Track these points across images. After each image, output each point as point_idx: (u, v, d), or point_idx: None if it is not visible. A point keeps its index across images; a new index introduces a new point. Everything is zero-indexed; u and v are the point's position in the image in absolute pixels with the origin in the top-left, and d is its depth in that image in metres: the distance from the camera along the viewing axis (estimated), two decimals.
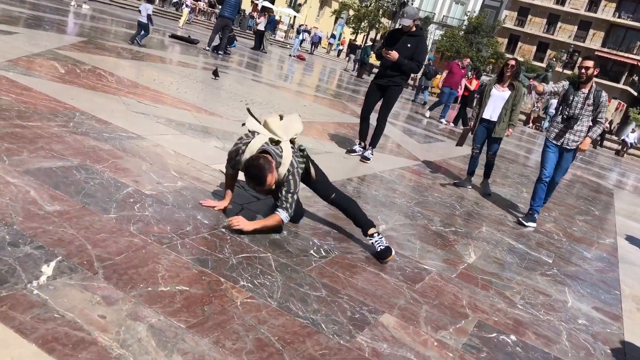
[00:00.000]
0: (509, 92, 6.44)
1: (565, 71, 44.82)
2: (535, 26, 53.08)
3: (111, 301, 2.23)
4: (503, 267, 4.26)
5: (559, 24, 52.17)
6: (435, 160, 8.37)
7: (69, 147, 3.85)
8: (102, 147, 4.08)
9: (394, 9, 43.18)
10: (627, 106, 52.15)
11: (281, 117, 3.60)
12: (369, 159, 6.51)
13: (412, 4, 45.98)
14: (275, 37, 33.20)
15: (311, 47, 38.82)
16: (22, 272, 2.23)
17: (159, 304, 2.30)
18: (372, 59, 24.61)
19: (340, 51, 46.57)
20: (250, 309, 2.50)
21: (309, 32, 37.89)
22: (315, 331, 2.48)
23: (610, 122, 32.10)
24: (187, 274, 2.63)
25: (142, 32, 11.74)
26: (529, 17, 53.54)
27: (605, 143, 28.37)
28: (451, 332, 2.90)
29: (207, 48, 15.17)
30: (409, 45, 6.10)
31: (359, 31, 47.84)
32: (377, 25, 46.24)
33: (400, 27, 6.27)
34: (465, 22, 48.53)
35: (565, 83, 5.72)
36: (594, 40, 50.40)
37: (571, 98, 5.56)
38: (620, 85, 49.15)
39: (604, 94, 5.55)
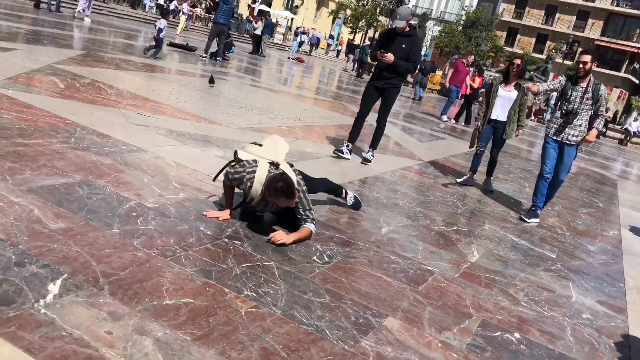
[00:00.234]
0: (516, 92, 6.44)
1: (566, 62, 44.70)
2: (533, 18, 52.98)
3: (117, 317, 2.26)
4: (506, 264, 4.28)
5: (557, 14, 52.05)
6: (437, 158, 8.39)
7: (71, 164, 3.89)
8: (103, 161, 4.12)
9: (391, 7, 43.18)
10: (629, 94, 52.02)
11: (259, 144, 3.76)
12: (370, 161, 6.54)
13: (408, 2, 46.03)
14: (273, 40, 33.25)
15: (310, 48, 38.90)
16: (29, 291, 2.27)
17: (164, 318, 2.34)
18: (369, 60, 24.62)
19: (339, 51, 46.64)
20: (254, 318, 2.53)
21: (306, 34, 37.93)
22: (319, 338, 2.51)
23: (615, 113, 32.02)
24: (192, 286, 2.66)
25: (157, 47, 12.07)
26: (527, 9, 53.45)
27: (608, 133, 28.31)
28: (455, 332, 2.92)
29: (205, 55, 15.23)
30: (403, 46, 6.12)
31: (357, 30, 47.87)
32: (375, 24, 46.25)
33: (393, 28, 6.28)
34: (463, 17, 48.47)
35: (562, 79, 5.73)
36: (593, 30, 50.26)
37: (569, 93, 5.57)
38: (622, 74, 49.00)
39: (602, 87, 5.56)
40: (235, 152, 3.70)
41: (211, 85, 9.66)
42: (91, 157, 4.15)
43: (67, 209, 3.14)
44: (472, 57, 15.82)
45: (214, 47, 15.48)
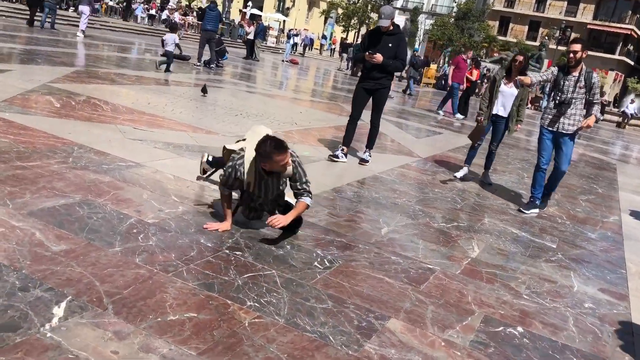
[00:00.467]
0: (517, 88, 6.47)
1: (560, 47, 44.64)
2: (524, 6, 52.91)
3: (122, 336, 2.30)
4: (507, 257, 4.31)
5: (549, 1, 51.97)
6: (434, 154, 8.42)
7: (70, 184, 3.93)
8: (102, 179, 4.16)
9: (381, 3, 43.19)
10: (624, 76, 51.91)
11: (244, 139, 3.84)
12: (367, 161, 6.57)
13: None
14: (266, 43, 33.29)
15: (303, 49, 38.93)
16: (34, 316, 2.31)
17: (169, 334, 2.38)
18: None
19: (333, 50, 46.69)
20: (258, 328, 2.56)
21: (298, 36, 37.96)
22: (323, 344, 2.55)
23: (615, 96, 31.98)
24: (195, 300, 2.70)
25: (169, 61, 12.41)
26: None
27: (606, 116, 28.28)
28: (458, 330, 2.95)
29: (199, 63, 15.29)
30: (390, 45, 6.13)
31: (350, 29, 47.91)
32: (367, 21, 46.27)
33: (378, 27, 6.27)
34: (455, 9, 48.45)
35: (554, 69, 5.73)
36: (585, 14, 50.17)
37: (562, 83, 5.57)
38: (616, 56, 48.97)
39: (595, 74, 5.56)
40: (224, 147, 3.82)
41: (204, 94, 9.67)
42: (90, 175, 4.19)
43: (68, 230, 3.18)
44: (472, 52, 15.93)
45: (207, 55, 15.54)
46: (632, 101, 28.20)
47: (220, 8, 18.89)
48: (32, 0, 18.40)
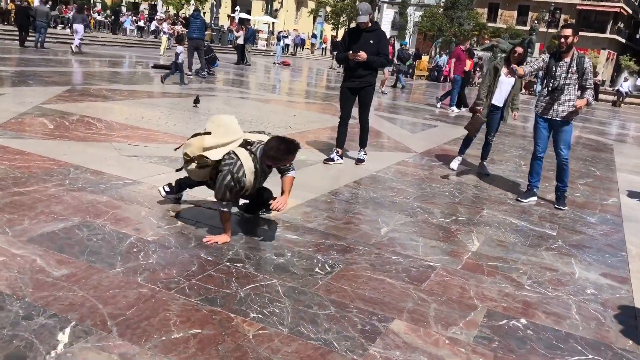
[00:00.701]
0: (514, 78, 6.48)
1: (550, 30, 44.58)
2: None
3: (128, 357, 2.32)
4: (507, 249, 4.32)
5: None
6: (430, 148, 8.44)
7: (68, 206, 3.95)
8: (99, 199, 4.18)
9: None
10: (617, 54, 51.84)
11: (208, 132, 3.74)
12: (363, 161, 6.58)
13: None
14: (256, 46, 33.26)
15: (294, 49, 38.94)
16: (39, 344, 2.33)
17: (174, 352, 2.40)
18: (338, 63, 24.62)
19: (324, 49, 46.70)
20: (262, 340, 2.58)
21: (288, 37, 37.98)
22: (328, 351, 2.57)
23: (612, 75, 31.93)
24: (198, 316, 2.72)
25: (177, 72, 12.63)
26: None
27: (601, 96, 28.27)
28: (461, 326, 2.97)
29: (190, 73, 15.31)
30: (371, 41, 6.12)
31: (339, 26, 47.87)
32: (355, 18, 46.22)
33: (357, 25, 6.26)
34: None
35: (545, 56, 5.73)
36: None
37: (554, 69, 5.55)
38: (607, 35, 48.90)
39: (587, 59, 5.55)
40: (185, 153, 3.75)
41: (196, 105, 9.65)
42: (87, 196, 4.21)
43: (68, 254, 3.20)
44: (468, 43, 16.01)
45: (197, 64, 15.56)
46: (626, 79, 28.21)
47: (208, 15, 18.93)
48: (22, 21, 18.52)
